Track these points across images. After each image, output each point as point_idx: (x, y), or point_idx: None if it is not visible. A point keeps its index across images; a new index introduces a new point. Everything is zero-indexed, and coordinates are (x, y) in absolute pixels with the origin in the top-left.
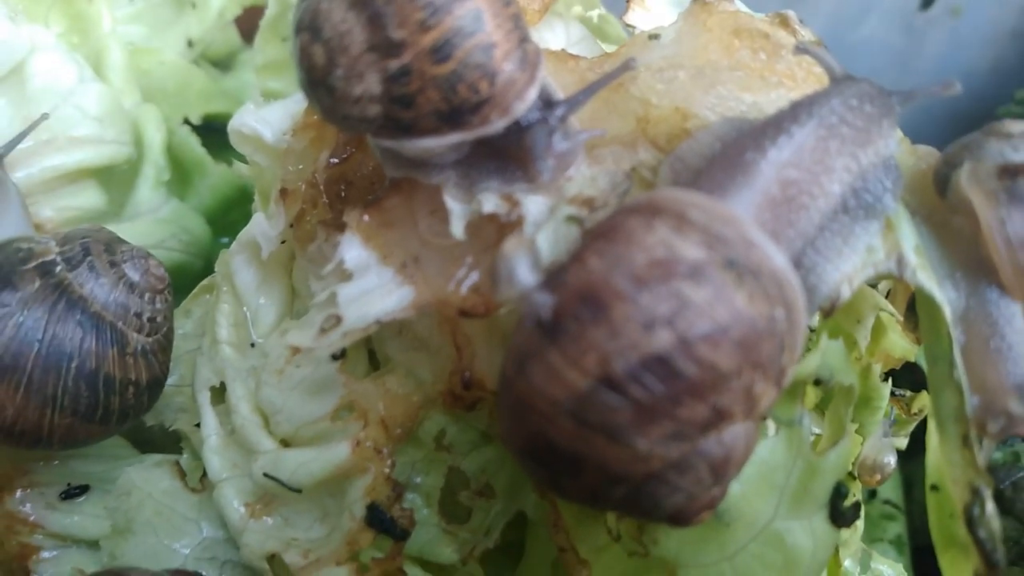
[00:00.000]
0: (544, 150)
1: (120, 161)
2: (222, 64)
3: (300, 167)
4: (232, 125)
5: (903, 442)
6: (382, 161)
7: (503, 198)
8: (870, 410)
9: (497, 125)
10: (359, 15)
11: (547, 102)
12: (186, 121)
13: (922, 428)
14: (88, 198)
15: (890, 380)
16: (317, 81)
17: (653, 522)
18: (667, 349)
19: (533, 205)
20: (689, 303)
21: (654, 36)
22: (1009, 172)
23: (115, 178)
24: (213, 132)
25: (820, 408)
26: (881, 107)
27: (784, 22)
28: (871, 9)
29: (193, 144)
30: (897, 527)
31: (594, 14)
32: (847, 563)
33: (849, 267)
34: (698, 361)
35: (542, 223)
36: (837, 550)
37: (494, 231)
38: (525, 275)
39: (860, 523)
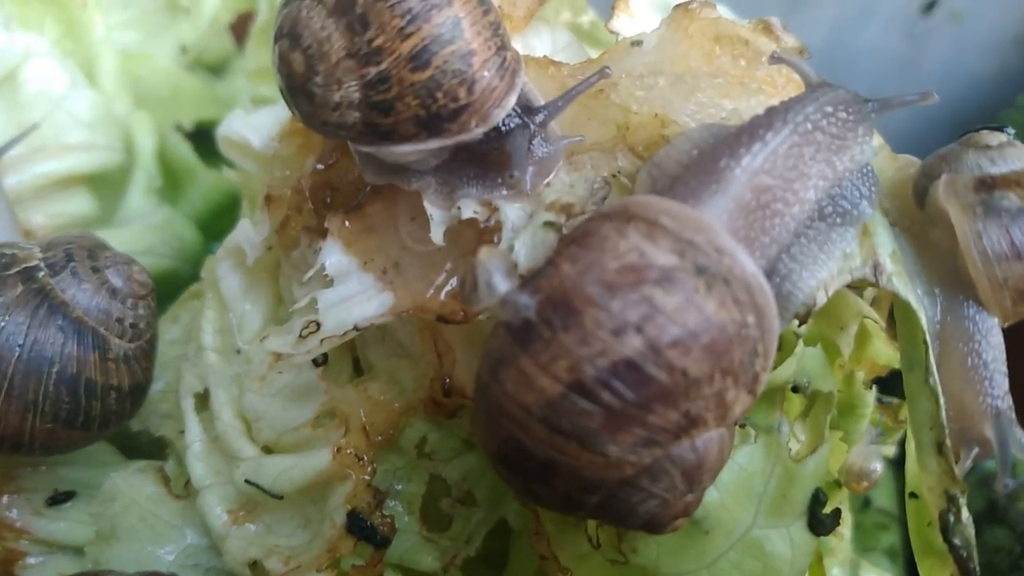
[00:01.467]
0: (524, 156)
1: (111, 167)
2: (216, 69)
3: (287, 173)
4: (221, 131)
5: (891, 449)
6: (362, 167)
7: (482, 204)
8: (854, 417)
9: (476, 132)
10: (338, 22)
11: (527, 108)
12: (178, 127)
13: None
14: (79, 204)
15: (874, 387)
16: (296, 88)
17: (629, 529)
18: (637, 355)
19: (511, 211)
20: (659, 309)
21: (636, 43)
22: (986, 185)
23: (106, 184)
24: (205, 138)
25: (806, 416)
26: (857, 114)
27: (767, 28)
28: (873, 15)
29: (185, 151)
30: (891, 536)
31: (584, 19)
32: (835, 572)
33: (825, 273)
34: (668, 367)
35: (520, 229)
36: (822, 559)
37: (473, 237)
38: (500, 283)
39: (848, 531)
